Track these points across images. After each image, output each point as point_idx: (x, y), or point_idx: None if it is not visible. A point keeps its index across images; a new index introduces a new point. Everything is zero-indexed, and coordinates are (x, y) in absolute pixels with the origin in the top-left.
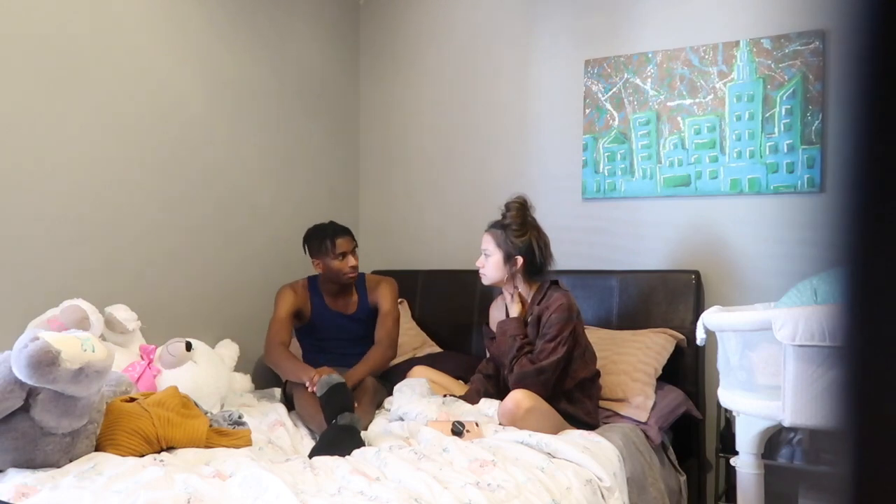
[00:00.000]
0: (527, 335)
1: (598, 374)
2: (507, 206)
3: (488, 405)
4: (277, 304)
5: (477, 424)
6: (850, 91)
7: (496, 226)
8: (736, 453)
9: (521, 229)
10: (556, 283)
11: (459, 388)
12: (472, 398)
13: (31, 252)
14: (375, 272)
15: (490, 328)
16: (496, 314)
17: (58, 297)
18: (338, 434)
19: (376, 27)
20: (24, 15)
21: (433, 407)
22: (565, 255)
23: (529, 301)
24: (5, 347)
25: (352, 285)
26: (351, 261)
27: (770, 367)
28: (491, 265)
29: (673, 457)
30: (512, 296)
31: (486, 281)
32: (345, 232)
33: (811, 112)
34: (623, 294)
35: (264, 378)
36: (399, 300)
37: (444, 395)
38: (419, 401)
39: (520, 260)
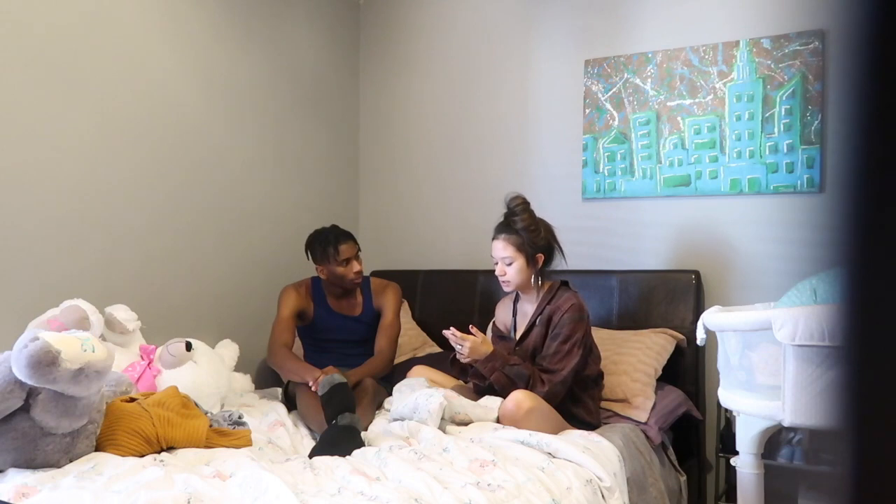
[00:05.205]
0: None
1: (601, 374)
2: (513, 210)
3: (489, 398)
4: (280, 306)
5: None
6: (850, 91)
7: (508, 231)
8: (736, 453)
9: (536, 229)
10: (566, 283)
11: (459, 388)
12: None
13: (31, 252)
14: (376, 272)
15: (498, 327)
16: (503, 313)
17: (58, 297)
18: (338, 434)
19: (376, 27)
20: (20, 15)
21: (434, 392)
22: (565, 255)
23: (539, 300)
24: (5, 347)
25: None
26: (355, 266)
27: (770, 367)
28: (514, 271)
29: (673, 457)
30: (530, 295)
31: (510, 287)
32: (347, 237)
33: (811, 112)
34: (623, 294)
35: (264, 378)
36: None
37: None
38: (420, 392)
39: (541, 258)
